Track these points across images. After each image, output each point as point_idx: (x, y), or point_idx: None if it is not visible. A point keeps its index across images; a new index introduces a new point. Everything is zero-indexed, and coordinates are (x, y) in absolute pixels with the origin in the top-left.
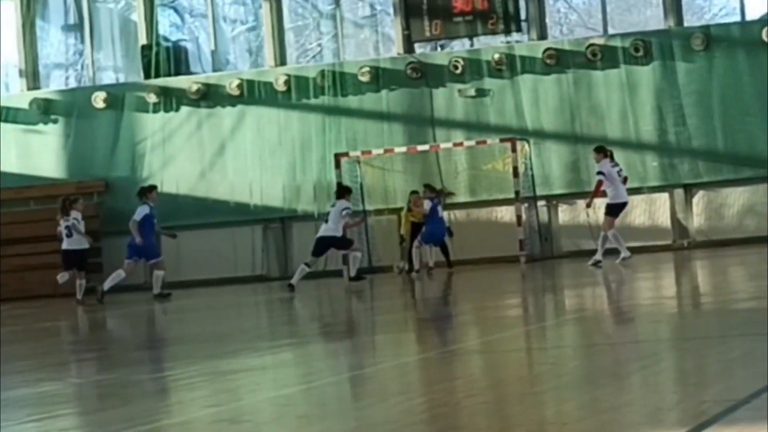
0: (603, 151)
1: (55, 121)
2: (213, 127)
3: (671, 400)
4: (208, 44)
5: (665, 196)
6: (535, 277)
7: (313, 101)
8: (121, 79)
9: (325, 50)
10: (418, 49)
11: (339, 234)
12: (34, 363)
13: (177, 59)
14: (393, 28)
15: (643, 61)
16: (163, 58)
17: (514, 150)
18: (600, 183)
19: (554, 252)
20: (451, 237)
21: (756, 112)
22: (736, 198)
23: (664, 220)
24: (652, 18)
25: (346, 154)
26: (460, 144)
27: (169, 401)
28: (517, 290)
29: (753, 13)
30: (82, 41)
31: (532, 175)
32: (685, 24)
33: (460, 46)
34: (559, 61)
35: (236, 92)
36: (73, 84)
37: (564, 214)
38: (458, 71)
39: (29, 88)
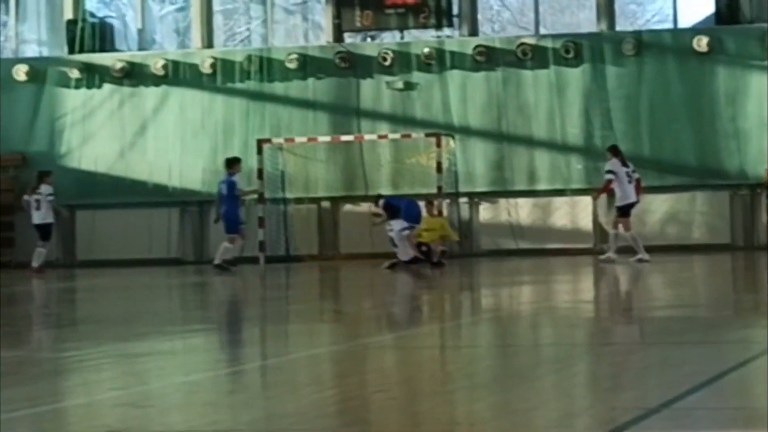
0: (613, 150)
1: None
2: (135, 107)
3: (582, 405)
4: (135, 22)
5: (588, 199)
6: (453, 274)
7: (238, 85)
8: (45, 53)
9: (253, 35)
10: (348, 38)
11: None
12: None
13: (102, 36)
14: (323, 16)
15: (573, 63)
16: (89, 33)
17: (438, 145)
18: (609, 182)
19: (473, 249)
20: None
21: (683, 120)
22: (659, 205)
23: (587, 223)
24: (585, 21)
25: (268, 141)
26: (385, 136)
27: (74, 382)
28: (434, 287)
29: (685, 22)
30: (7, 12)
31: (456, 172)
32: (617, 28)
33: (390, 38)
34: (489, 58)
35: (161, 72)
36: None
37: (485, 212)
38: (387, 63)
39: None
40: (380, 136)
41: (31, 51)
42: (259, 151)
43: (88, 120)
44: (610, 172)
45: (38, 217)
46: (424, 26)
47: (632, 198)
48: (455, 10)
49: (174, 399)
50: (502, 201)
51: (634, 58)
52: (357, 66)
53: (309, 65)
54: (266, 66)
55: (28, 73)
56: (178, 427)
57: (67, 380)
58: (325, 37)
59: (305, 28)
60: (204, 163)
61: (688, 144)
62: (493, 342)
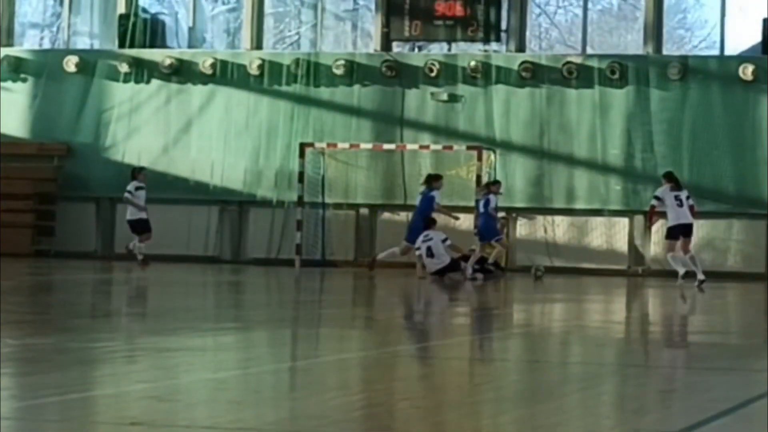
0: (667, 176)
1: (24, 80)
2: (181, 104)
3: (606, 424)
4: (186, 20)
5: (625, 220)
6: (487, 288)
7: (284, 88)
8: (96, 46)
9: (302, 39)
10: (396, 48)
11: None
12: None
13: (153, 32)
14: (373, 24)
15: (617, 84)
16: (140, 29)
17: (479, 158)
18: (652, 207)
19: (508, 264)
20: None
21: (724, 146)
22: (695, 230)
23: (622, 245)
24: (632, 42)
25: (311, 145)
26: (427, 147)
27: (102, 372)
28: (466, 299)
29: (732, 49)
30: (61, 4)
31: None
32: (664, 52)
33: (437, 50)
34: (534, 74)
35: (209, 71)
36: (47, 45)
37: (522, 227)
38: (433, 74)
39: (2, 45)
40: (422, 147)
41: (82, 43)
42: (302, 155)
43: (134, 114)
44: (655, 197)
45: (128, 213)
46: (472, 39)
47: (679, 220)
48: (504, 25)
49: (200, 395)
50: (540, 218)
51: (678, 83)
52: (403, 75)
53: (356, 72)
54: (313, 70)
55: (77, 65)
56: (203, 423)
57: (96, 370)
58: (374, 44)
59: (354, 35)
60: (246, 164)
61: (727, 171)
62: (521, 357)
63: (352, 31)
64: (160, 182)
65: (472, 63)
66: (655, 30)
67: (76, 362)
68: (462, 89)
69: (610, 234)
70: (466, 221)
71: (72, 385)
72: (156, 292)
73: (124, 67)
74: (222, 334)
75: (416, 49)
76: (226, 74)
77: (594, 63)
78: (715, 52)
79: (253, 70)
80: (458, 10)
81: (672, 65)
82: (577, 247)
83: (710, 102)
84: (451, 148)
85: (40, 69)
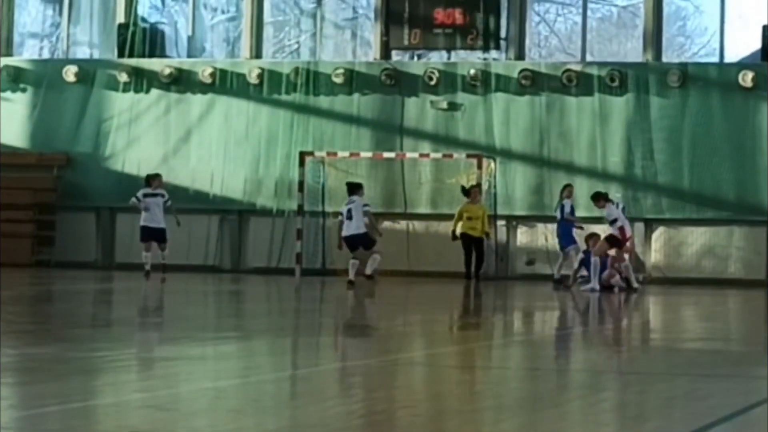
0: (604, 197)
1: (23, 90)
2: (181, 113)
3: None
4: (185, 29)
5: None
6: (488, 295)
7: (284, 97)
8: (95, 56)
9: (302, 48)
10: (395, 56)
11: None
12: None
13: (153, 41)
14: (372, 33)
15: (617, 91)
16: (139, 38)
17: (479, 167)
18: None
19: (509, 272)
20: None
21: (724, 154)
22: (696, 238)
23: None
24: (632, 50)
25: (311, 154)
26: (427, 155)
27: (101, 382)
28: (467, 307)
29: (731, 56)
30: (60, 13)
31: (495, 194)
32: (664, 60)
33: (437, 58)
34: (534, 82)
35: (208, 80)
36: (46, 55)
37: (523, 235)
38: (432, 82)
39: (2, 55)
40: (422, 155)
41: (81, 53)
42: (301, 164)
43: (133, 124)
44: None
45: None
46: (472, 48)
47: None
48: (503, 34)
49: (200, 404)
50: (540, 225)
51: (678, 90)
52: (402, 84)
53: (355, 81)
54: (313, 79)
55: (77, 75)
56: None
57: (96, 379)
58: (373, 53)
59: (354, 43)
60: (246, 173)
61: (728, 178)
62: (522, 364)
63: (351, 40)
64: None
65: (472, 71)
66: (654, 37)
67: (75, 372)
68: (462, 97)
69: None
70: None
71: (72, 395)
72: (156, 302)
73: (123, 77)
74: (222, 343)
75: (416, 58)
76: (226, 83)
77: (594, 71)
78: (715, 59)
79: (253, 79)
80: (457, 19)
81: (672, 72)
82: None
83: (710, 109)
84: (451, 156)
85: (40, 79)
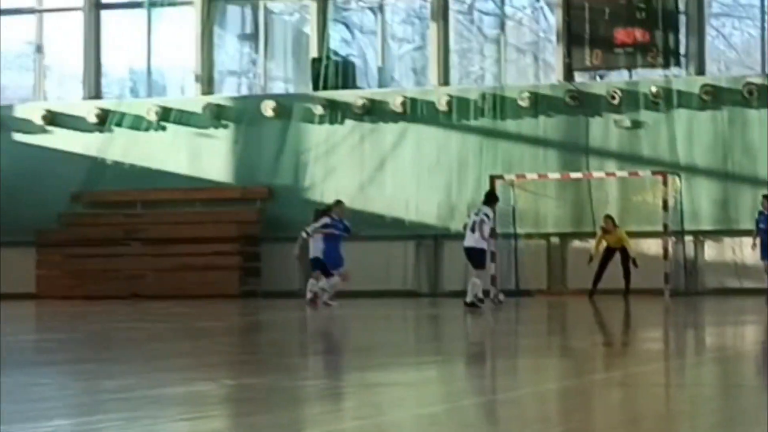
0: None
1: (225, 127)
2: (375, 142)
3: None
4: (375, 61)
5: None
6: (679, 311)
7: (473, 123)
8: (291, 90)
9: (486, 73)
10: (578, 77)
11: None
12: (189, 362)
13: (345, 73)
14: (554, 55)
15: None
16: (332, 71)
17: (665, 183)
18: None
19: (699, 288)
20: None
21: None
22: None
23: None
24: None
25: (501, 177)
26: (613, 174)
27: (316, 411)
28: (660, 323)
29: None
30: (256, 51)
31: (681, 210)
32: None
33: (618, 77)
34: (715, 97)
35: (399, 109)
36: (244, 91)
37: (710, 250)
38: (615, 102)
39: (203, 93)
40: (608, 174)
41: (277, 88)
42: (492, 188)
43: (330, 154)
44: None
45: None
46: (652, 65)
47: None
48: (682, 50)
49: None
50: (727, 240)
51: None
52: (586, 104)
53: (540, 103)
54: (499, 104)
55: (275, 109)
56: None
57: (309, 408)
58: (556, 75)
59: (536, 66)
60: (439, 198)
61: None
62: (719, 382)
63: (533, 63)
64: (358, 220)
65: (653, 89)
66: None
67: (290, 401)
68: (644, 115)
69: None
70: (653, 246)
71: (287, 425)
72: (359, 328)
73: (318, 110)
74: (426, 368)
75: (597, 78)
76: (416, 111)
77: None
78: None
79: (442, 106)
80: (638, 37)
81: None
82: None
83: None
84: (636, 174)
85: (240, 115)
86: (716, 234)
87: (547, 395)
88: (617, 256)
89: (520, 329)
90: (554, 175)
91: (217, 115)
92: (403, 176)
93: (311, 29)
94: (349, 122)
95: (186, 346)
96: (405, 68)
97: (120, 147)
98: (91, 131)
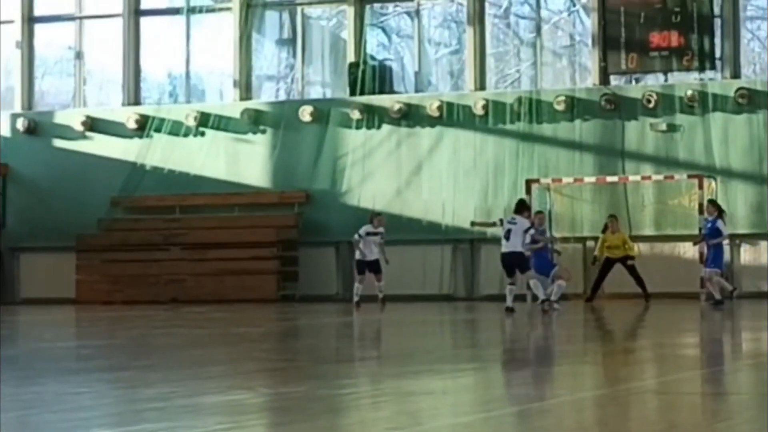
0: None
1: (263, 132)
2: (412, 147)
3: None
4: (412, 65)
5: None
6: (715, 316)
7: (509, 127)
8: (328, 95)
9: (523, 77)
10: (613, 81)
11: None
12: (227, 369)
13: (382, 78)
14: (590, 59)
15: None
16: (369, 76)
17: (701, 187)
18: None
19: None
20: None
21: None
22: None
23: None
24: None
25: (537, 181)
26: (649, 178)
27: (352, 420)
28: (695, 329)
29: None
30: (294, 56)
31: None
32: None
33: (654, 81)
34: (750, 100)
35: (436, 114)
36: (282, 97)
37: (746, 254)
38: (651, 105)
39: (241, 99)
40: (644, 177)
41: (315, 93)
42: (528, 191)
43: (367, 159)
44: None
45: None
46: (688, 69)
47: None
48: (718, 53)
49: None
50: (763, 243)
51: None
52: (622, 108)
53: (576, 107)
54: (535, 108)
55: (312, 114)
56: None
57: (345, 418)
58: (592, 79)
59: (572, 70)
60: (475, 202)
61: None
62: (757, 390)
63: (569, 67)
64: (395, 224)
65: (689, 92)
66: None
67: (327, 410)
68: (680, 119)
69: None
70: (690, 250)
71: None
72: (396, 333)
73: (356, 114)
74: (462, 375)
75: (633, 82)
76: (453, 116)
77: None
78: None
79: (478, 111)
80: (673, 41)
81: None
82: None
83: None
84: (672, 177)
85: (278, 120)
86: (752, 237)
87: (580, 404)
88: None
89: (557, 334)
90: (590, 179)
91: (255, 121)
92: (439, 180)
93: (348, 34)
94: (386, 127)
95: (224, 352)
96: (442, 72)
97: (159, 152)
98: (130, 137)
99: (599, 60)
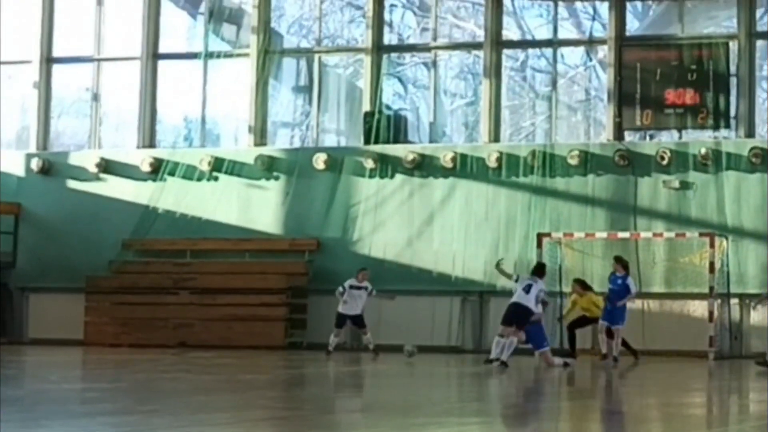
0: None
1: (276, 178)
2: (424, 197)
3: None
4: (427, 115)
5: None
6: (723, 375)
7: (521, 179)
8: (342, 143)
9: (537, 130)
10: (627, 137)
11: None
12: (232, 417)
13: (396, 128)
14: (605, 114)
15: None
16: (384, 125)
17: (712, 245)
18: None
19: (743, 351)
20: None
21: None
22: None
23: None
24: None
25: (548, 235)
26: (660, 235)
27: None
28: (703, 388)
29: None
30: (310, 103)
31: (728, 272)
32: None
33: (668, 138)
34: (764, 160)
35: (449, 165)
36: (297, 144)
37: (756, 313)
38: (664, 162)
39: (256, 144)
40: (655, 234)
41: (329, 140)
42: (539, 245)
43: (379, 208)
44: None
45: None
46: (702, 127)
47: None
48: (733, 112)
49: None
50: None
51: None
52: (635, 164)
53: (589, 162)
54: (549, 161)
55: (326, 162)
56: None
57: None
58: (606, 134)
59: (587, 125)
60: (486, 255)
61: None
62: None
63: (584, 121)
64: (405, 274)
65: (703, 150)
66: None
67: None
68: (693, 176)
69: None
70: (699, 308)
71: None
72: (402, 384)
73: (369, 163)
74: (466, 428)
75: (647, 138)
76: (466, 167)
77: None
78: None
79: (492, 163)
80: (688, 99)
81: None
82: None
83: None
84: (683, 235)
85: (292, 167)
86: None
87: None
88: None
89: (562, 390)
90: (602, 234)
91: (269, 167)
92: (451, 231)
93: (365, 83)
94: (399, 176)
95: (229, 399)
96: (456, 123)
97: (172, 196)
98: (144, 180)
99: (614, 115)
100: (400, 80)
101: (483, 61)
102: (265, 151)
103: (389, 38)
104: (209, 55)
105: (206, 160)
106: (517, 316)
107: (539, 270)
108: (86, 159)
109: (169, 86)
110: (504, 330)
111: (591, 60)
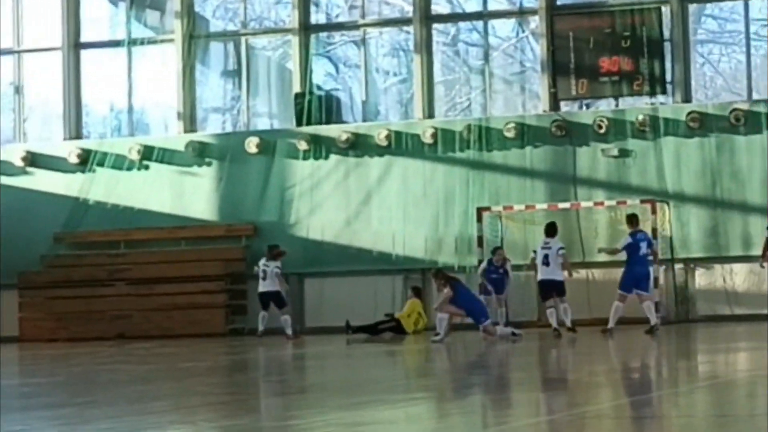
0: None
1: (209, 164)
2: (360, 177)
3: None
4: (359, 94)
5: None
6: (670, 340)
7: (458, 155)
8: (275, 126)
9: (473, 105)
10: (564, 107)
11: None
12: (169, 404)
13: (329, 108)
14: (540, 85)
15: None
16: (316, 106)
17: (654, 212)
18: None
19: (690, 316)
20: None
21: None
22: None
23: None
24: None
25: (488, 209)
26: (601, 203)
27: None
28: (650, 354)
29: None
30: (239, 87)
31: (671, 238)
32: None
33: (605, 106)
34: (702, 124)
35: (384, 143)
36: (228, 128)
37: (701, 278)
38: (602, 131)
39: (186, 131)
40: (596, 203)
41: (261, 124)
42: (479, 219)
43: (315, 190)
44: None
45: (264, 286)
46: (638, 93)
47: None
48: (668, 77)
49: None
50: (717, 267)
51: None
52: (573, 134)
53: (526, 134)
54: (485, 135)
55: (258, 146)
56: None
57: None
58: (542, 105)
59: (522, 97)
60: (426, 232)
61: None
62: (709, 412)
63: (520, 94)
64: (344, 255)
65: (640, 117)
66: None
67: None
68: (632, 144)
69: None
70: None
71: None
72: (345, 365)
73: (302, 145)
74: (411, 404)
75: (584, 107)
76: (401, 145)
77: (761, 108)
78: None
79: (427, 139)
80: (623, 66)
81: None
82: (757, 294)
83: None
84: (624, 203)
85: (224, 152)
86: (706, 261)
87: (536, 429)
88: None
89: (510, 361)
90: (542, 206)
91: (200, 153)
92: (389, 210)
93: (294, 64)
94: (333, 157)
95: (167, 387)
96: (390, 101)
97: (102, 187)
98: (72, 172)
99: (549, 86)
100: (330, 60)
101: (413, 36)
102: (196, 137)
103: (317, 17)
104: (133, 42)
105: (135, 149)
106: (551, 290)
107: (551, 230)
108: (12, 153)
109: (94, 76)
110: (546, 304)
111: (523, 31)
